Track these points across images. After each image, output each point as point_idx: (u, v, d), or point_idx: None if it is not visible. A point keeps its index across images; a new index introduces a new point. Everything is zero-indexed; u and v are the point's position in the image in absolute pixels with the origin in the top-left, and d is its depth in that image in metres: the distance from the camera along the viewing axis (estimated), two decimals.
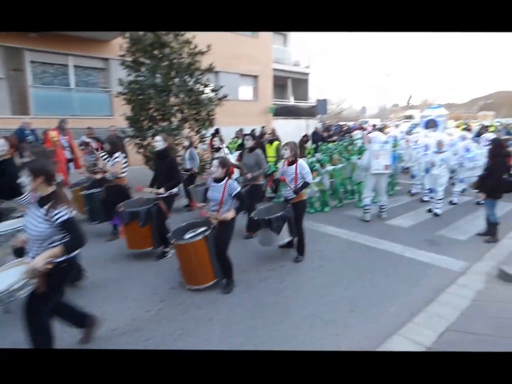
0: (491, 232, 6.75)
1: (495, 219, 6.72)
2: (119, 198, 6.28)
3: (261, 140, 13.20)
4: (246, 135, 7.57)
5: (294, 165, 5.73)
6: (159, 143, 5.91)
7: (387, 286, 5.05)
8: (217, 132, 12.39)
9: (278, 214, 5.52)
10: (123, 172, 6.61)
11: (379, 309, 4.41)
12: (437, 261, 5.87)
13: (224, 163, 4.81)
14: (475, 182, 7.17)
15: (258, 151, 7.14)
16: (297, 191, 5.66)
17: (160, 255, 6.10)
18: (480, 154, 9.41)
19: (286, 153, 5.74)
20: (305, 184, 5.68)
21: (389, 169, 7.93)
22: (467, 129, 18.62)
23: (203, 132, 11.33)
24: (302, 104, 26.02)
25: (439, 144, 8.41)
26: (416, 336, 3.75)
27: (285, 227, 5.61)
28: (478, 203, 9.11)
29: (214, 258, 4.78)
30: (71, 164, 10.18)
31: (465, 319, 4.09)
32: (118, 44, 11.05)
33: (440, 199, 8.44)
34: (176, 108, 10.74)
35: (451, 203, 9.51)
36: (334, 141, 14.02)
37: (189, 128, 11.26)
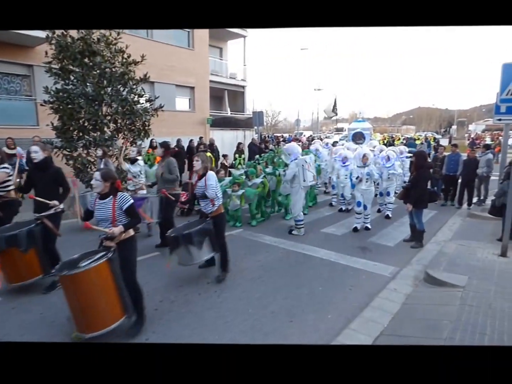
0: (417, 238, 7.16)
1: (422, 227, 7.16)
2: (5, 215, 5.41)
3: (200, 151, 13.11)
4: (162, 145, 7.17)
5: (204, 178, 5.39)
6: (37, 154, 5.14)
7: (324, 293, 5.14)
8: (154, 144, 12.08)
9: (199, 227, 5.16)
10: (7, 186, 5.61)
11: (318, 317, 4.46)
12: (369, 267, 6.10)
13: (107, 176, 4.05)
14: (400, 193, 7.50)
15: (171, 159, 6.93)
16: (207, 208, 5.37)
17: (49, 286, 5.17)
18: (398, 165, 9.76)
19: (197, 165, 5.36)
20: (204, 196, 5.35)
21: (315, 180, 8.22)
22: (392, 141, 19.93)
23: (139, 142, 10.97)
24: (239, 115, 26.22)
25: (364, 157, 8.13)
26: (353, 341, 3.82)
27: (207, 242, 5.23)
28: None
29: (123, 288, 3.90)
30: None
31: (396, 322, 4.26)
32: (43, 50, 10.40)
33: (368, 215, 8.29)
34: (108, 118, 10.30)
35: (387, 217, 9.42)
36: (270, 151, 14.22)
37: (123, 138, 10.84)
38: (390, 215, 9.44)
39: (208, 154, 10.54)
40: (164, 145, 7.03)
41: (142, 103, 10.98)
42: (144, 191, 7.82)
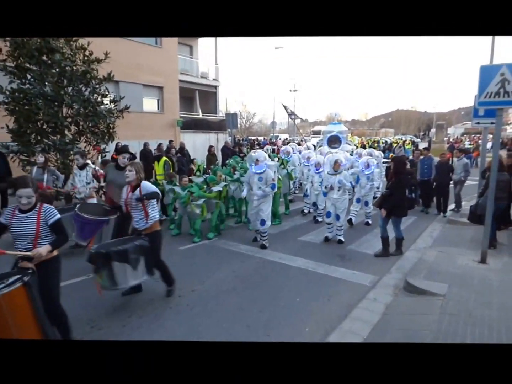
0: (397, 246, 7.35)
1: (401, 234, 7.34)
2: None
3: (168, 155, 13.00)
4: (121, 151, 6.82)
5: (138, 190, 5.03)
6: None
7: (301, 304, 5.21)
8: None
9: (136, 243, 4.76)
10: None
11: (295, 330, 4.52)
12: (348, 276, 6.23)
13: (37, 186, 3.79)
14: (377, 200, 7.53)
15: (134, 162, 6.77)
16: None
17: None
18: (378, 173, 9.87)
19: (131, 175, 5.03)
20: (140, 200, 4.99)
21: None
22: (373, 145, 20.31)
23: (103, 146, 10.83)
24: (211, 117, 26.24)
25: (336, 164, 7.99)
26: None
27: (142, 262, 4.81)
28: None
29: (43, 317, 3.42)
30: None
31: (376, 333, 4.36)
32: None
33: (342, 226, 8.09)
34: (69, 120, 10.13)
35: (367, 224, 9.61)
36: (244, 156, 14.30)
37: (86, 142, 10.68)
38: (370, 222, 9.63)
39: (164, 159, 10.30)
40: (121, 150, 6.84)
41: (106, 104, 10.87)
42: (94, 199, 7.46)
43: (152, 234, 5.05)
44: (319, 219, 9.79)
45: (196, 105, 26.71)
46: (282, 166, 10.51)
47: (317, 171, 9.66)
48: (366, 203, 9.72)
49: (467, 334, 4.17)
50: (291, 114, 26.36)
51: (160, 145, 14.38)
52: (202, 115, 26.06)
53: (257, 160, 7.66)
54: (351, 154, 11.93)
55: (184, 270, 6.40)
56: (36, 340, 3.13)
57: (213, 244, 7.97)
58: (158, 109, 21.37)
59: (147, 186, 5.08)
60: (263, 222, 7.67)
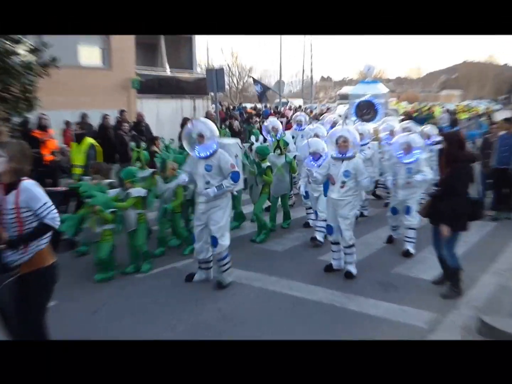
0: (452, 280, 6.86)
1: (456, 262, 6.76)
2: None
3: (120, 133, 12.88)
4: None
5: (15, 192, 4.34)
6: None
7: None
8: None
9: None
10: None
11: None
12: (394, 314, 6.20)
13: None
14: (424, 206, 7.13)
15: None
16: (14, 244, 4.27)
17: None
18: (424, 161, 8.75)
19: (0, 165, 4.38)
20: (37, 232, 4.38)
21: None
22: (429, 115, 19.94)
23: (16, 119, 10.73)
24: (184, 76, 26.14)
25: (341, 141, 7.48)
26: None
27: None
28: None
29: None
30: None
31: None
32: None
33: (350, 247, 7.56)
34: None
35: (406, 254, 8.69)
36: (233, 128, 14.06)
37: None
38: (412, 250, 8.70)
39: (90, 140, 10.00)
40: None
41: (21, 55, 10.76)
42: None
43: (32, 274, 4.36)
44: (319, 237, 9.19)
45: (161, 57, 26.61)
46: (279, 151, 10.16)
47: (314, 163, 8.72)
48: (408, 210, 8.74)
49: None
50: (264, 91, 25.33)
51: (105, 117, 14.29)
52: (171, 72, 25.98)
53: (201, 135, 7.03)
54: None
55: (143, 310, 6.39)
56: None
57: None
58: (102, 63, 21.31)
59: (31, 189, 4.42)
60: (214, 241, 7.07)
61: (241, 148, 7.67)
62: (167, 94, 23.74)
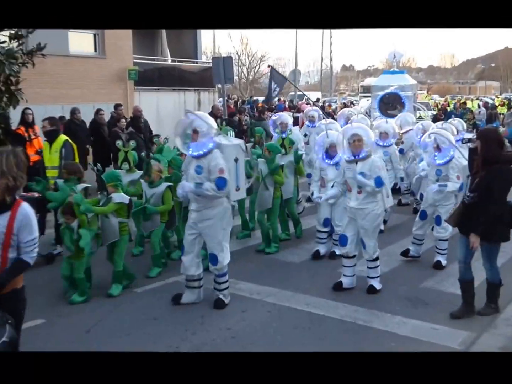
0: (490, 297, 6.80)
1: (496, 277, 6.71)
2: None
3: (115, 130, 12.96)
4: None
5: (8, 214, 4.17)
6: None
7: None
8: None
9: None
10: None
11: None
12: (424, 333, 6.23)
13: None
14: (452, 214, 6.84)
15: None
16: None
17: None
18: (456, 162, 8.62)
19: None
20: (16, 272, 4.27)
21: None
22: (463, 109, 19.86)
23: None
24: (187, 65, 26.20)
25: (356, 140, 7.37)
26: None
27: None
28: None
29: None
30: None
31: None
32: None
33: (374, 260, 7.54)
34: None
35: (437, 266, 8.73)
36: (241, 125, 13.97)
37: None
38: (444, 262, 8.74)
39: (63, 138, 9.67)
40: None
41: (4, 43, 10.88)
42: None
43: (6, 297, 4.25)
44: (337, 250, 8.94)
45: (162, 45, 26.71)
46: (284, 151, 9.99)
47: (329, 160, 8.88)
48: (438, 221, 8.75)
49: None
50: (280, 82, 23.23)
51: (99, 112, 14.36)
52: (173, 61, 26.07)
53: (195, 131, 6.78)
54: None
55: (142, 329, 6.46)
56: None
57: None
58: (95, 51, 21.33)
59: (30, 217, 4.33)
60: (214, 259, 6.94)
61: (243, 151, 7.38)
62: (168, 86, 23.72)
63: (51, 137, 9.76)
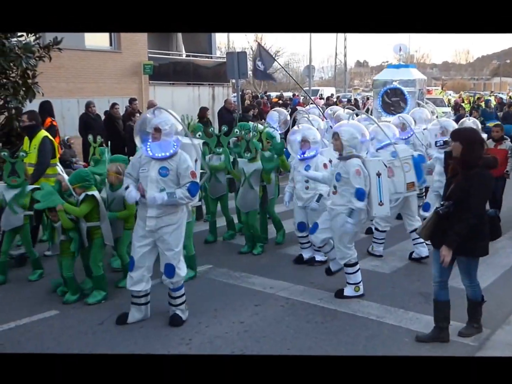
0: (472, 316, 6.32)
1: (478, 294, 6.29)
2: None
3: (130, 125, 12.95)
4: None
5: None
6: None
7: None
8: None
9: None
10: None
11: None
12: None
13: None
14: (425, 225, 6.13)
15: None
16: None
17: None
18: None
19: None
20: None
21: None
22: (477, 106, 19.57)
23: (13, 105, 10.84)
24: (202, 60, 26.21)
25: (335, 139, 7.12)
26: None
27: None
28: None
29: None
30: None
31: None
32: None
33: (347, 266, 7.29)
34: None
35: (415, 258, 8.73)
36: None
37: None
38: (424, 254, 8.63)
39: (42, 134, 9.09)
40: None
41: (21, 37, 10.89)
42: None
43: None
44: (318, 257, 8.66)
45: (176, 40, 26.73)
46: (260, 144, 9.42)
47: (302, 156, 8.35)
48: (426, 207, 8.90)
49: None
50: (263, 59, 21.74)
51: (114, 106, 14.37)
52: (187, 56, 26.09)
53: (158, 129, 6.18)
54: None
55: (154, 321, 6.49)
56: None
57: (206, 277, 8.06)
58: (111, 45, 21.41)
59: None
60: (171, 271, 6.33)
61: (201, 150, 7.18)
62: (183, 81, 23.79)
63: (30, 132, 9.16)
